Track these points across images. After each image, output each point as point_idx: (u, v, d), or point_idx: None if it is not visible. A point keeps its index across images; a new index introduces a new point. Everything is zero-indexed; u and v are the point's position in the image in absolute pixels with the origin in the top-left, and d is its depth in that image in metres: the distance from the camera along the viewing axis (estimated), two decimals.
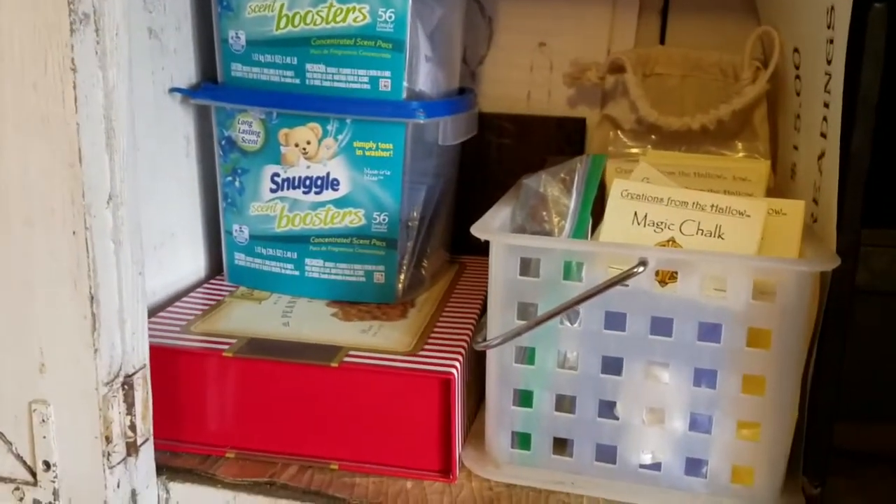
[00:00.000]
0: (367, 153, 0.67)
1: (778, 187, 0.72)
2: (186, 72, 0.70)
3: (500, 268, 0.54)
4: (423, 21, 0.69)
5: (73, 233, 0.47)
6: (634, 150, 0.77)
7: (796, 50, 0.67)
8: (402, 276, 0.70)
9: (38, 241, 0.48)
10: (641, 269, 0.50)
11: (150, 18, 0.64)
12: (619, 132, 0.78)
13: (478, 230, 0.55)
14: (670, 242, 0.56)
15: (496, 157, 0.86)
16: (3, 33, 0.45)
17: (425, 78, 0.69)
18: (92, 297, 0.48)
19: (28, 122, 0.46)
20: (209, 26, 0.69)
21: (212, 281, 0.73)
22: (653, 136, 0.77)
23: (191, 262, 0.74)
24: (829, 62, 0.56)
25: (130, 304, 0.51)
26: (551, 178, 0.61)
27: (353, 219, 0.68)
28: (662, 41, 0.82)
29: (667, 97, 0.80)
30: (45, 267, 0.48)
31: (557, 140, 0.84)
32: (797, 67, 0.67)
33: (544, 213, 0.62)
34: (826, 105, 0.57)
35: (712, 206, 0.56)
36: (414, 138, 0.67)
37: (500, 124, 0.85)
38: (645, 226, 0.58)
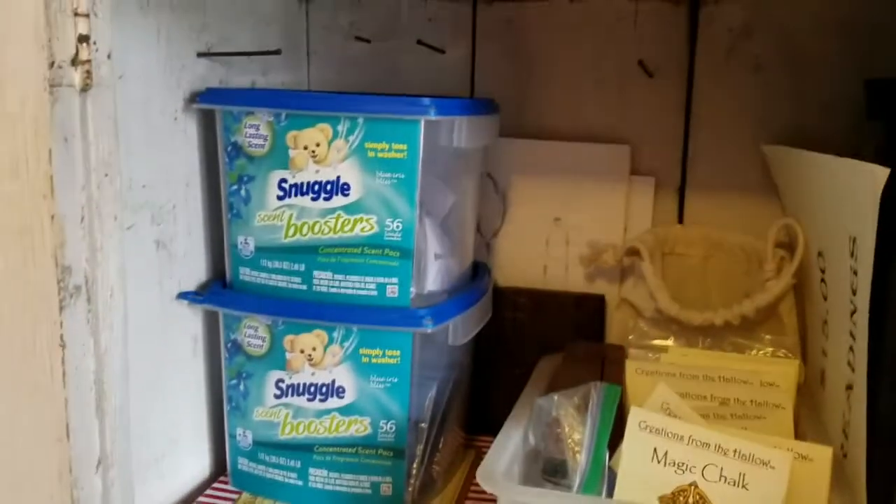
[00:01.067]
0: (374, 360, 0.65)
1: (808, 389, 0.68)
2: (196, 274, 0.69)
3: None
4: (435, 212, 0.68)
5: None
6: (656, 342, 0.74)
7: (820, 254, 0.64)
8: (411, 484, 0.67)
9: None
10: None
11: (159, 231, 0.64)
12: (639, 321, 0.75)
13: (484, 479, 0.52)
14: (692, 487, 0.53)
15: (512, 334, 0.83)
16: None
17: (434, 277, 0.67)
18: None
19: (17, 394, 0.45)
20: (220, 229, 0.68)
21: (215, 485, 0.70)
22: (674, 326, 0.74)
23: (195, 465, 0.71)
24: (854, 292, 0.54)
25: None
26: (565, 402, 0.59)
27: (358, 427, 0.66)
28: (681, 219, 0.80)
29: (688, 278, 0.78)
30: None
31: (576, 317, 0.82)
32: (822, 272, 0.64)
33: (558, 432, 0.59)
34: (853, 315, 0.54)
35: (735, 451, 0.52)
36: (423, 342, 0.65)
37: (516, 299, 0.83)
38: (665, 465, 0.54)
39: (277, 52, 0.68)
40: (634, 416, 0.56)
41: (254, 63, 0.73)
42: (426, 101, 0.61)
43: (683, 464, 0.54)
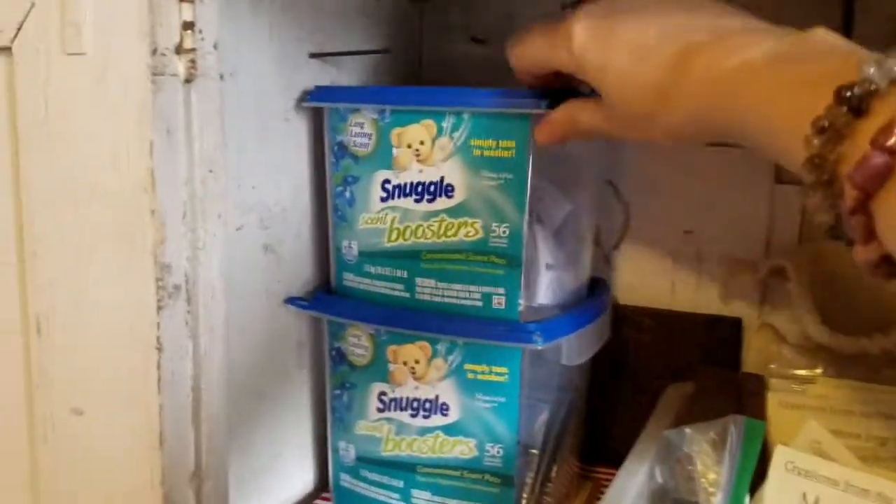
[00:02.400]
0: (479, 377, 0.60)
1: None
2: (303, 280, 0.67)
3: None
4: (547, 221, 0.63)
5: None
6: (802, 373, 0.66)
7: None
8: None
9: None
10: None
11: (267, 234, 0.62)
12: (782, 347, 0.67)
13: None
14: None
15: (634, 357, 0.76)
16: (91, 303, 0.43)
17: (545, 290, 0.62)
18: None
19: (112, 398, 0.43)
20: (327, 234, 0.66)
21: (317, 502, 0.68)
22: (823, 355, 0.66)
23: (297, 481, 0.69)
24: None
25: None
26: (698, 437, 0.52)
27: (463, 449, 0.61)
28: None
29: (839, 300, 0.69)
30: None
31: (707, 342, 0.74)
32: None
33: (690, 469, 0.52)
34: None
35: None
36: (532, 360, 0.60)
37: (639, 320, 0.76)
38: None
39: (388, 51, 0.65)
40: (781, 456, 0.49)
41: (364, 65, 0.70)
42: (535, 93, 0.56)
43: None
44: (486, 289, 0.59)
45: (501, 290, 0.59)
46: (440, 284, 0.60)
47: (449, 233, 0.59)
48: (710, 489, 0.50)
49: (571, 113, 0.51)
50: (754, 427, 0.52)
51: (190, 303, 0.43)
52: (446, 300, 0.60)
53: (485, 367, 0.60)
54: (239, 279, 0.58)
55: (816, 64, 0.35)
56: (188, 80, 0.41)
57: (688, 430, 0.52)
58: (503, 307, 0.59)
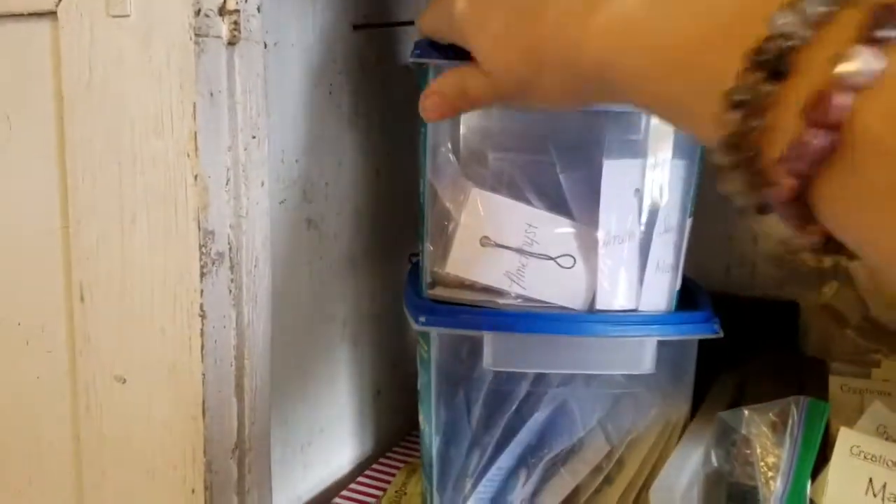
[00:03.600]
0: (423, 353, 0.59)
1: None
2: (345, 257, 0.66)
3: None
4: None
5: (192, 491, 0.42)
6: (866, 356, 0.63)
7: None
8: None
9: (158, 495, 0.43)
10: None
11: (311, 208, 0.61)
12: (844, 330, 0.64)
13: (661, 499, 0.44)
14: None
15: None
16: (135, 270, 0.42)
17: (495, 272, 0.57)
18: None
19: (154, 366, 0.43)
20: (370, 212, 0.65)
21: (360, 479, 0.67)
22: (889, 338, 0.63)
23: (340, 457, 0.68)
24: None
25: None
26: (757, 418, 0.50)
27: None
28: None
29: None
30: None
31: (764, 326, 0.71)
32: None
33: (747, 453, 0.50)
34: None
35: None
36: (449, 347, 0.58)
37: None
38: (884, 499, 0.44)
39: None
40: (845, 440, 0.47)
41: (408, 37, 0.69)
42: None
43: None
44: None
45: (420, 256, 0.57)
46: None
47: None
48: (770, 473, 0.48)
49: (459, 81, 0.44)
50: (818, 408, 0.49)
51: (233, 271, 0.43)
52: None
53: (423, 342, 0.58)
54: (282, 253, 0.57)
55: (708, 12, 0.27)
56: (231, 43, 0.40)
57: (746, 412, 0.50)
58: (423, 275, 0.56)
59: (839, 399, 0.56)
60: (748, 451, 0.50)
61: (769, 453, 0.48)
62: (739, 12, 0.26)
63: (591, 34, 0.32)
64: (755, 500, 0.48)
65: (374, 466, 0.68)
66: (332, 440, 0.67)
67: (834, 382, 0.56)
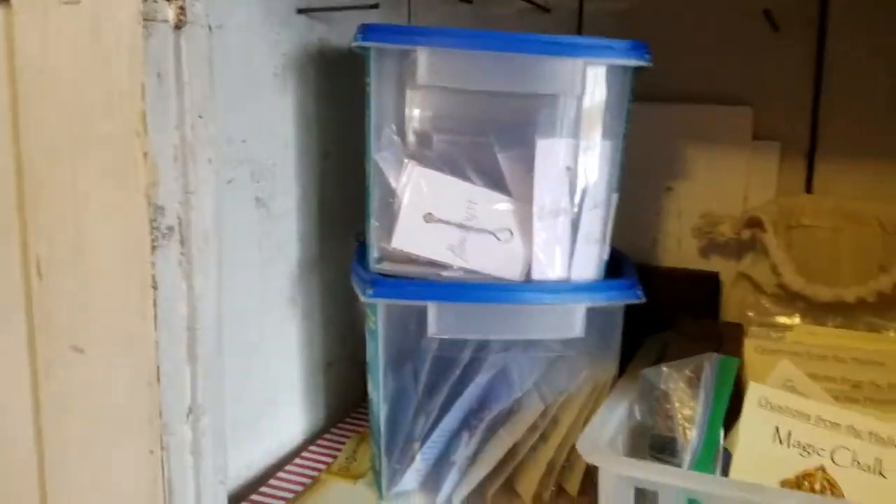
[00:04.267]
0: (370, 324, 0.62)
1: None
2: (293, 235, 0.69)
3: (611, 497, 0.47)
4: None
5: (150, 452, 0.45)
6: (779, 319, 0.68)
7: None
8: None
9: (118, 456, 0.46)
10: None
11: (258, 188, 0.63)
12: (760, 297, 0.69)
13: (585, 449, 0.48)
14: (819, 472, 0.47)
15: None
16: (89, 245, 0.44)
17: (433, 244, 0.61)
18: None
19: (111, 336, 0.45)
20: (317, 192, 0.67)
21: (312, 447, 0.70)
22: (800, 303, 0.68)
23: (291, 428, 0.71)
24: None
25: None
26: (674, 374, 0.54)
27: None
28: (809, 188, 0.73)
29: (816, 253, 0.71)
30: (124, 484, 0.46)
31: (687, 295, 0.76)
32: None
33: (668, 408, 0.55)
34: None
35: (871, 433, 0.47)
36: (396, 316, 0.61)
37: None
38: (789, 446, 0.49)
39: (375, 6, 0.66)
40: (754, 392, 0.51)
41: (353, 21, 0.71)
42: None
43: (810, 445, 0.48)
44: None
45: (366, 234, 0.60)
46: None
47: None
48: (686, 424, 0.53)
49: None
50: (728, 363, 0.54)
51: (183, 245, 0.45)
52: None
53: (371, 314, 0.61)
54: (232, 230, 0.60)
55: None
56: (178, 27, 0.42)
57: (664, 368, 0.54)
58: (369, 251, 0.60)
59: (754, 360, 0.60)
60: (668, 406, 0.54)
61: (685, 406, 0.53)
62: None
63: None
64: (674, 449, 0.52)
65: (325, 436, 0.71)
66: (285, 411, 0.70)
67: (749, 345, 0.61)
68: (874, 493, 0.46)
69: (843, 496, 0.46)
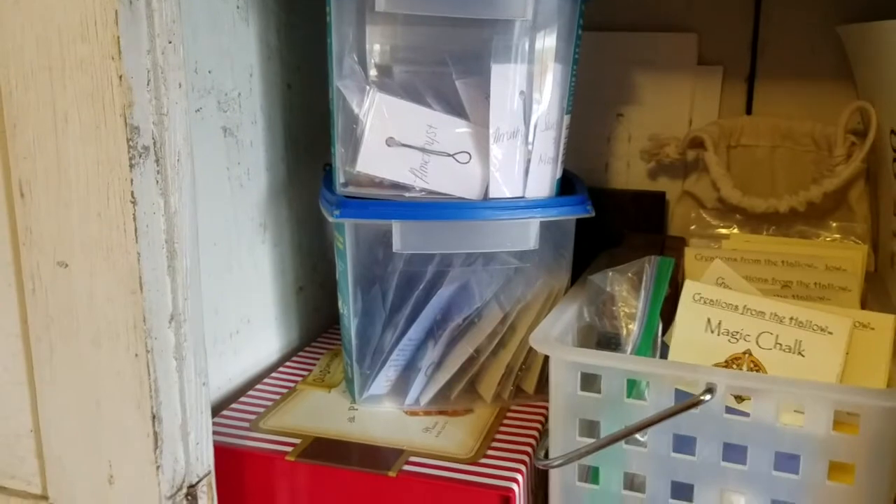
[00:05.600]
0: (338, 244, 0.66)
1: (879, 274, 0.66)
2: (262, 164, 0.72)
3: (561, 383, 0.52)
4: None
5: (136, 355, 0.49)
6: (719, 231, 0.73)
7: (894, 132, 0.62)
8: None
9: (104, 361, 0.50)
10: (709, 396, 0.47)
11: (225, 118, 0.66)
12: (701, 211, 0.74)
13: (537, 342, 0.53)
14: (746, 355, 0.53)
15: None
16: (70, 164, 0.47)
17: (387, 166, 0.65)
18: (154, 416, 0.50)
19: (93, 250, 0.48)
20: (282, 120, 0.70)
21: (288, 363, 0.74)
22: (738, 216, 0.73)
23: (267, 345, 0.75)
24: None
25: (195, 415, 0.53)
26: (619, 276, 0.59)
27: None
28: (749, 110, 0.78)
29: (754, 170, 0.76)
30: (111, 387, 0.50)
31: (636, 214, 0.81)
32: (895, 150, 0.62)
33: (613, 309, 0.60)
34: None
35: (791, 318, 0.52)
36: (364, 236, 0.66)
37: None
38: (719, 334, 0.54)
39: None
40: (688, 289, 0.56)
41: None
42: None
43: (738, 332, 0.54)
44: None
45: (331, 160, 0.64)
46: None
47: None
48: (628, 321, 0.58)
49: None
50: (665, 263, 0.59)
51: (158, 163, 0.48)
52: None
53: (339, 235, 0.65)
54: (201, 159, 0.63)
55: None
56: None
57: (610, 272, 0.59)
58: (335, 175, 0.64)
59: (693, 266, 0.66)
60: (614, 308, 0.59)
61: (627, 304, 0.58)
62: None
63: None
64: (618, 343, 0.57)
65: (300, 354, 0.76)
66: (260, 330, 0.74)
67: (689, 253, 0.66)
68: (794, 370, 0.51)
69: (767, 374, 0.52)
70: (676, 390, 0.49)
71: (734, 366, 0.53)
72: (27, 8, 0.45)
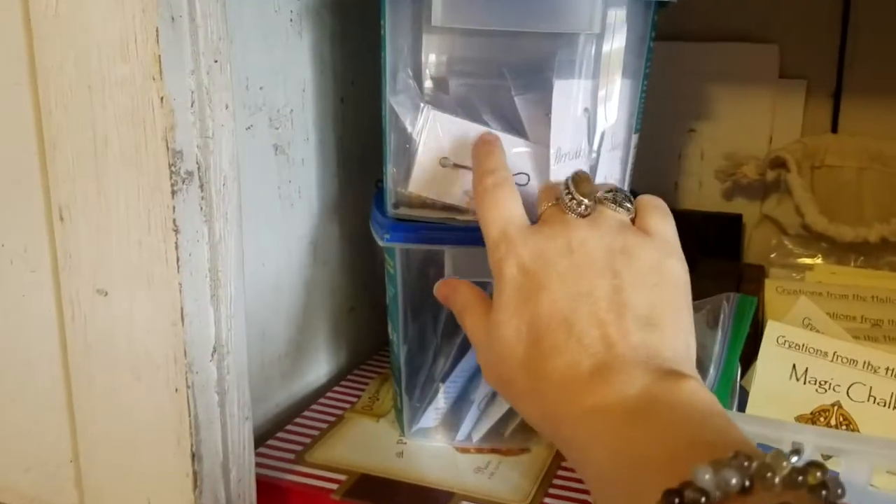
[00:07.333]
0: (389, 267, 0.62)
1: None
2: (313, 182, 0.69)
3: None
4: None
5: (176, 390, 0.46)
6: (802, 260, 0.68)
7: None
8: None
9: (143, 395, 0.47)
10: (795, 458, 0.42)
11: (277, 135, 0.64)
12: (783, 238, 0.69)
13: None
14: (835, 408, 0.48)
15: None
16: (110, 189, 0.45)
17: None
18: (193, 455, 0.47)
19: (133, 278, 0.46)
20: (336, 138, 0.67)
21: (336, 388, 0.71)
22: (823, 244, 0.67)
23: (316, 370, 0.73)
24: None
25: (237, 451, 0.50)
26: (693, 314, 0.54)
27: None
28: (835, 129, 0.72)
29: (839, 193, 0.70)
30: (151, 421, 0.48)
31: (709, 239, 0.76)
32: None
33: None
34: None
35: (888, 369, 0.47)
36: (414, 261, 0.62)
37: None
38: (805, 383, 0.49)
39: None
40: (772, 331, 0.51)
41: None
42: None
43: (826, 382, 0.48)
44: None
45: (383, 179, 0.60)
46: None
47: None
48: (704, 362, 0.53)
49: (468, 302, 0.48)
50: (746, 302, 0.54)
51: (203, 189, 0.45)
52: None
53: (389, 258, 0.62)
54: (251, 178, 0.60)
55: (658, 442, 0.32)
56: None
57: None
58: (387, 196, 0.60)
59: (774, 300, 0.61)
60: None
61: (702, 345, 0.53)
62: (672, 454, 0.31)
63: (574, 415, 0.36)
64: None
65: (349, 377, 0.73)
66: (309, 353, 0.71)
67: (769, 285, 0.61)
68: (890, 427, 0.46)
69: (858, 431, 0.46)
70: (758, 444, 0.44)
71: (821, 419, 0.48)
72: (66, 23, 0.43)
